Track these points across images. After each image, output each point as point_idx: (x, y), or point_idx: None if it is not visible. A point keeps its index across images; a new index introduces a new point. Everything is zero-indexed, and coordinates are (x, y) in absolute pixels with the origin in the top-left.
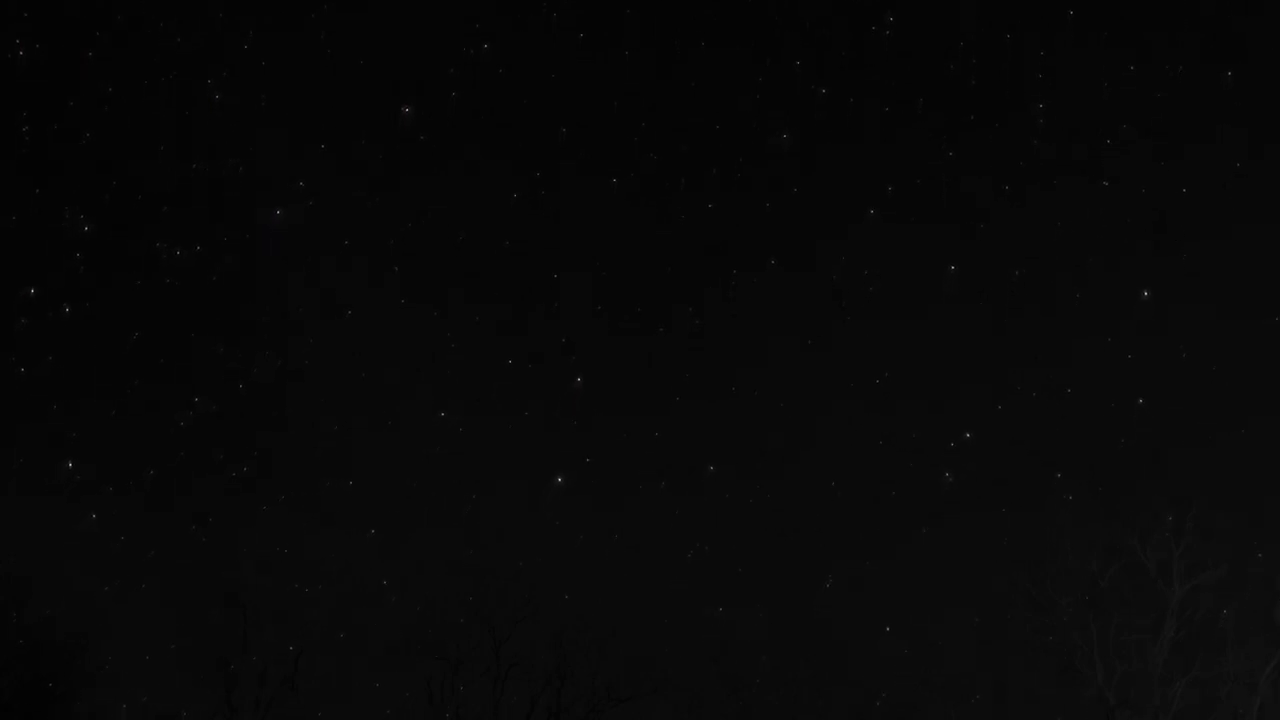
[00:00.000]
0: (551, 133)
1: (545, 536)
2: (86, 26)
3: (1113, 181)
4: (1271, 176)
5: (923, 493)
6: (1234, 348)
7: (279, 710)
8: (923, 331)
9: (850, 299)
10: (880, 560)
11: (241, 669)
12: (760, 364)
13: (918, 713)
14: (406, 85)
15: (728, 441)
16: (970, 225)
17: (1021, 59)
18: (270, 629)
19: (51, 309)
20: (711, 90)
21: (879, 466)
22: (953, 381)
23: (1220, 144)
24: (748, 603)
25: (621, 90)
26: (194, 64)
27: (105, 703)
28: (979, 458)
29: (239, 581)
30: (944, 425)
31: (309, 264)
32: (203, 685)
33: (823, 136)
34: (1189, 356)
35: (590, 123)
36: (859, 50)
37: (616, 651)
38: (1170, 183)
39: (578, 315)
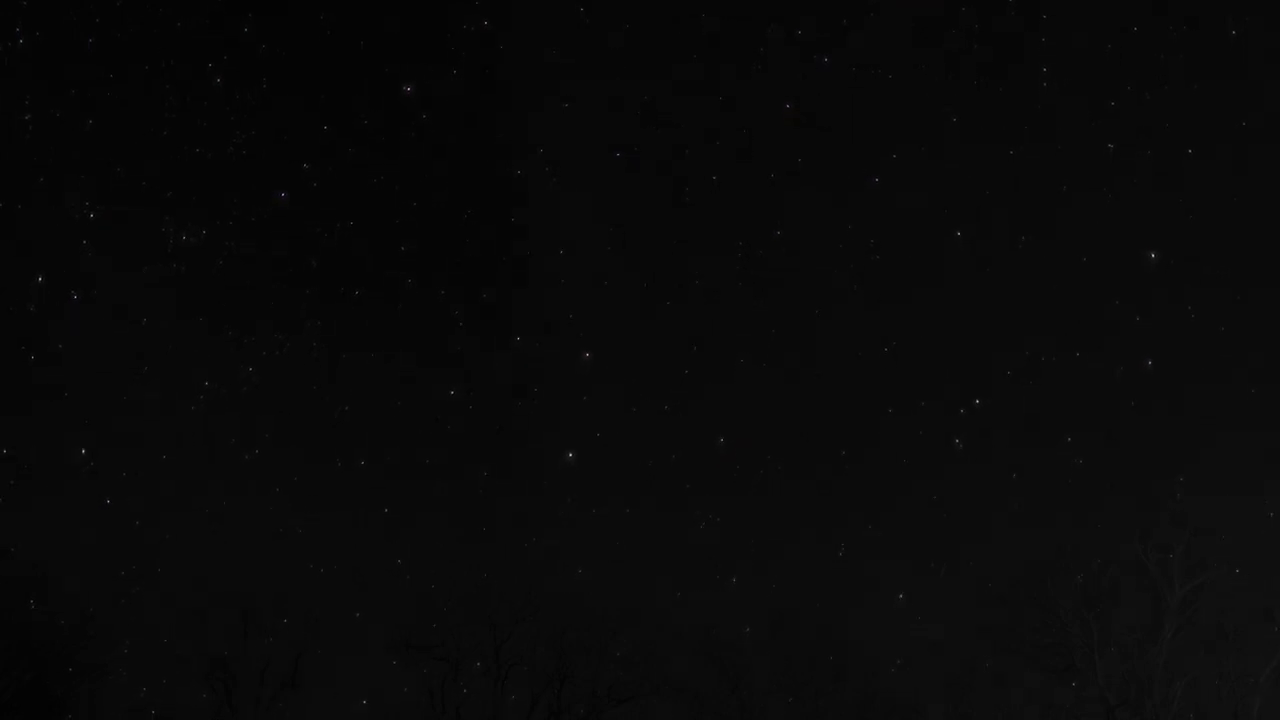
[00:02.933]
0: (554, 108)
1: (557, 511)
2: (85, 13)
3: (1118, 143)
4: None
5: (933, 459)
6: (1242, 308)
7: (279, 710)
8: (930, 299)
9: (857, 267)
10: (891, 529)
11: (241, 669)
12: (768, 335)
13: (918, 712)
14: (407, 63)
15: (737, 413)
16: (976, 191)
17: (1023, 23)
18: (271, 627)
19: (60, 296)
20: (714, 62)
21: (889, 434)
22: (961, 348)
23: (1226, 105)
24: (759, 574)
25: (623, 64)
26: (194, 48)
27: (104, 703)
28: (989, 424)
29: (244, 577)
30: (953, 392)
31: (314, 245)
32: (203, 685)
33: (825, 105)
34: (1197, 318)
35: (592, 97)
36: (860, 17)
37: (617, 651)
38: (1176, 143)
39: (584, 290)
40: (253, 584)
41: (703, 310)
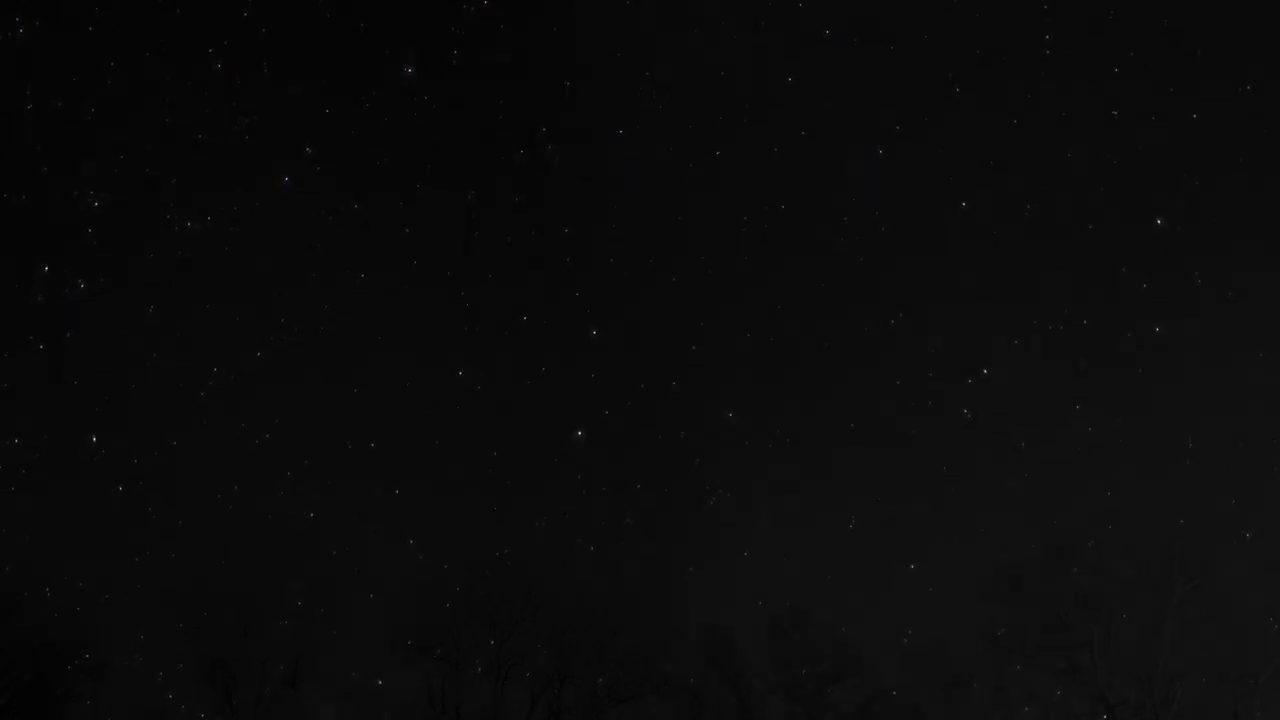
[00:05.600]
0: (555, 87)
1: (566, 489)
2: (84, 1)
3: (1121, 110)
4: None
5: (942, 430)
6: (1249, 272)
7: (279, 710)
8: (935, 269)
9: (862, 240)
10: (902, 501)
11: (241, 669)
12: (774, 309)
13: (918, 712)
14: (407, 45)
15: (745, 387)
16: (980, 160)
17: None
18: (271, 627)
19: (67, 285)
20: (714, 36)
21: (897, 407)
22: (968, 318)
23: (1231, 69)
24: (770, 547)
25: (625, 41)
26: (195, 33)
27: (105, 703)
28: (997, 393)
29: (249, 572)
30: (961, 363)
31: (320, 229)
32: (203, 685)
33: (827, 77)
34: (1203, 283)
35: (594, 75)
36: None
37: (617, 651)
38: (1180, 109)
39: (590, 268)
40: (257, 579)
41: (709, 285)
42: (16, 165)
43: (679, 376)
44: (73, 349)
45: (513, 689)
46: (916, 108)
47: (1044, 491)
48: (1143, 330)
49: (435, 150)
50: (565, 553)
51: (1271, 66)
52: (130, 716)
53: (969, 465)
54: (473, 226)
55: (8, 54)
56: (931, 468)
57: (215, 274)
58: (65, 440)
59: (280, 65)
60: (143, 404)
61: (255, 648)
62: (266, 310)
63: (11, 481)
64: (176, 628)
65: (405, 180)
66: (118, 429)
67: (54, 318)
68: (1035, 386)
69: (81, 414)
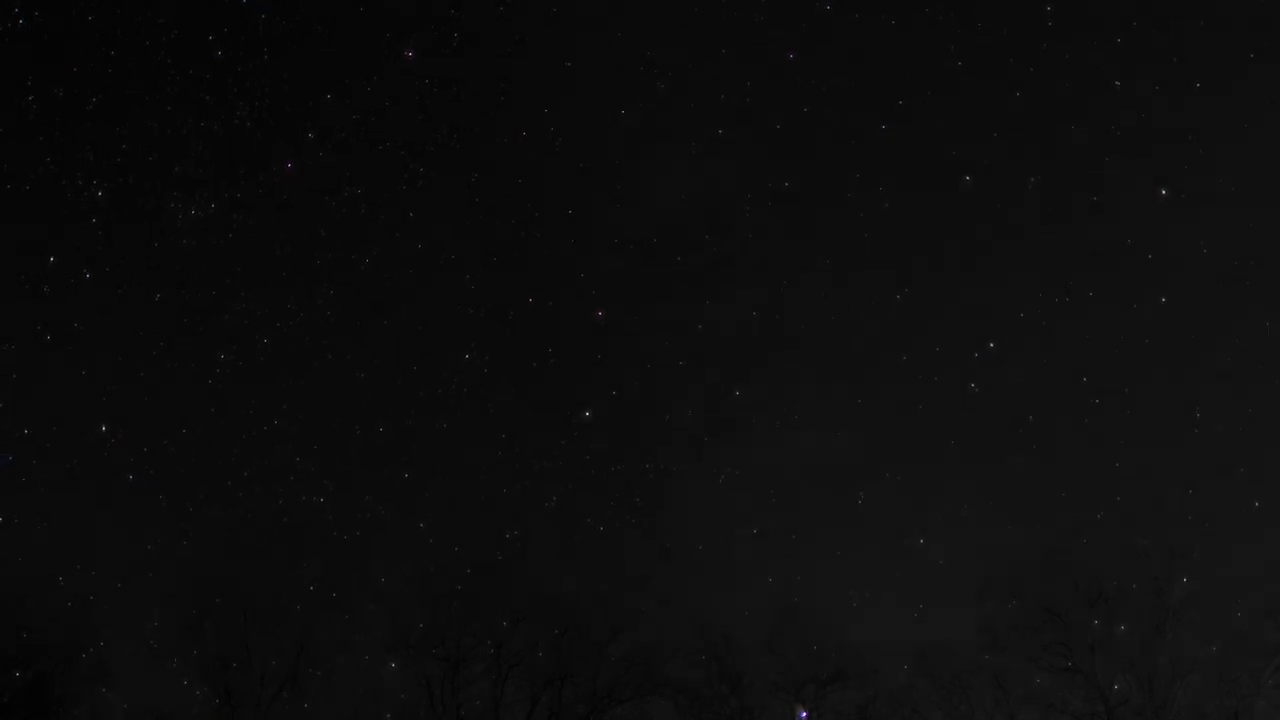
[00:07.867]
0: (556, 68)
1: (575, 470)
2: None
3: (1125, 80)
4: None
5: (949, 405)
6: (1254, 242)
7: (279, 710)
8: (940, 244)
9: (866, 216)
10: (909, 475)
11: (241, 669)
12: (778, 287)
13: (918, 711)
14: (408, 29)
15: (751, 366)
16: (983, 134)
17: None
18: (271, 626)
19: (72, 275)
20: (714, 14)
21: (904, 382)
22: (973, 292)
23: (1234, 38)
24: (780, 525)
25: (625, 20)
26: (194, 20)
27: (105, 703)
28: (1003, 367)
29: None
30: (967, 337)
31: (322, 214)
32: (203, 685)
33: (829, 54)
34: (1209, 253)
35: (594, 55)
36: None
37: (617, 651)
38: (1182, 78)
39: (595, 249)
40: (266, 568)
41: (713, 264)
42: (20, 156)
43: (685, 356)
44: (80, 339)
45: (513, 689)
46: (918, 82)
47: (1050, 464)
48: (1148, 301)
49: (437, 133)
50: (571, 537)
51: (1275, 36)
52: (128, 717)
53: (975, 440)
54: (476, 209)
55: (9, 44)
56: (938, 442)
57: (220, 261)
58: (75, 430)
59: (280, 51)
60: (151, 393)
61: (259, 642)
62: (272, 296)
63: (23, 472)
64: (184, 619)
65: (408, 163)
66: (127, 418)
67: (61, 308)
68: (1042, 360)
69: (90, 404)
